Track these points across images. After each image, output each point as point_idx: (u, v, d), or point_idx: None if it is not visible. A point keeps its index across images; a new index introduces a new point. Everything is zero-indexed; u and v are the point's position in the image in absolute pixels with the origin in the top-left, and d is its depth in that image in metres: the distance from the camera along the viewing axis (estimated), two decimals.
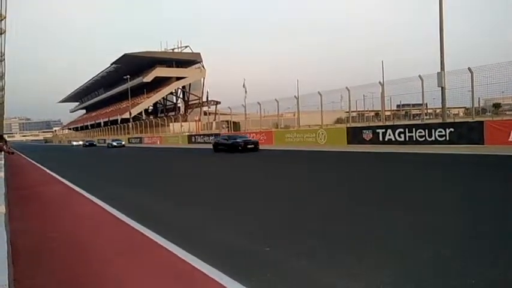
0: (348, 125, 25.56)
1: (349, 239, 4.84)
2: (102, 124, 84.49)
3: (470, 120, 18.83)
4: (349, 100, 25.02)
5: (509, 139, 15.52)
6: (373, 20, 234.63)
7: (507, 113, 29.92)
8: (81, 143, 70.26)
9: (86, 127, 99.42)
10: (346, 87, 24.23)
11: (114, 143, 49.13)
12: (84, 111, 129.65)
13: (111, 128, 72.88)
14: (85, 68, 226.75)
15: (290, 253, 4.41)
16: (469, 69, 18.08)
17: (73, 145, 71.02)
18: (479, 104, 24.93)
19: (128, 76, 67.62)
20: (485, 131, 16.42)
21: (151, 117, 74.28)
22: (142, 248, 5.00)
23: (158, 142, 49.98)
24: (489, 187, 7.87)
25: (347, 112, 28.02)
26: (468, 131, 17.13)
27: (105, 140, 67.79)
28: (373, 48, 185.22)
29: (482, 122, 17.13)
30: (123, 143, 50.93)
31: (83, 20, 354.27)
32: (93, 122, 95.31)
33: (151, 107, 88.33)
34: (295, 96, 29.29)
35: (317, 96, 25.85)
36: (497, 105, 32.07)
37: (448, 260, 3.92)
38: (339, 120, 41.52)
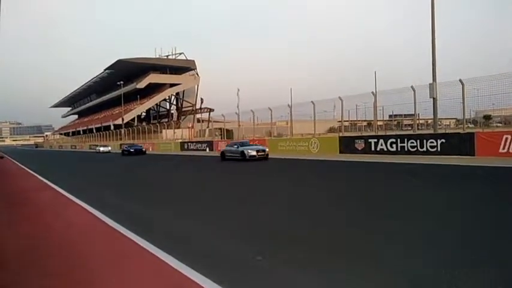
0: (341, 134, 25.69)
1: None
2: (94, 130, 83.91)
3: (461, 131, 19.03)
4: (342, 109, 25.19)
5: (500, 150, 15.69)
6: (370, 29, 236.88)
7: (497, 124, 30.26)
8: (109, 148, 52.60)
9: (78, 132, 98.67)
10: (339, 97, 24.42)
11: (243, 151, 21.85)
12: (76, 116, 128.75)
13: (103, 134, 72.41)
14: (78, 72, 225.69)
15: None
16: (460, 81, 18.32)
17: (99, 151, 51.47)
18: (470, 116, 25.24)
19: (122, 82, 67.42)
20: (476, 142, 16.58)
21: (144, 123, 74.03)
22: None
23: (150, 149, 49.70)
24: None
25: (339, 121, 28.19)
26: (459, 142, 17.24)
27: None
28: (370, 58, 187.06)
29: (473, 133, 17.31)
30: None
31: (77, 24, 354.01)
32: (85, 128, 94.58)
33: (144, 114, 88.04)
34: (288, 105, 29.42)
35: (310, 105, 26.00)
36: (487, 117, 32.39)
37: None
38: (331, 130, 41.64)
